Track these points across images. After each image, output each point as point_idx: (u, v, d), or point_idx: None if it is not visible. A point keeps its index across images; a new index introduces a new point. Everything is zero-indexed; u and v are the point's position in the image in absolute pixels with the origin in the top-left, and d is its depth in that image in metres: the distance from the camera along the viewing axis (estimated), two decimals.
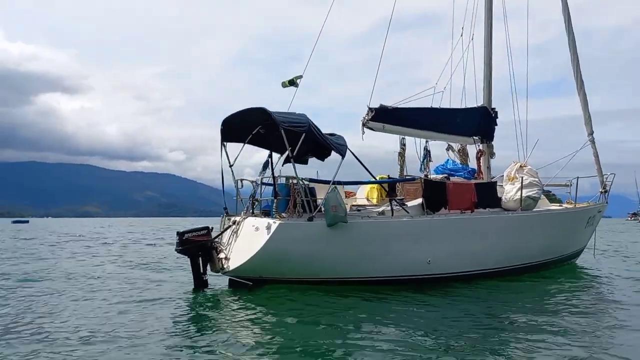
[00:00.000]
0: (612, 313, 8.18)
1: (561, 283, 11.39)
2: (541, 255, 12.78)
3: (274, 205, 10.20)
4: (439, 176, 13.49)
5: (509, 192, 12.36)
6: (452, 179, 13.08)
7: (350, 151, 10.86)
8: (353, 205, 12.01)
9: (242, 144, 11.53)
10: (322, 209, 9.82)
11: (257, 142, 11.65)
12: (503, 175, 13.23)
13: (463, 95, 15.57)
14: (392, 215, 10.70)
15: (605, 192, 15.00)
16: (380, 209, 11.14)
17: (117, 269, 14.27)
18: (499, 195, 12.31)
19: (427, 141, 14.63)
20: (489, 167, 14.57)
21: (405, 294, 9.47)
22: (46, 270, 13.94)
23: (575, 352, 5.91)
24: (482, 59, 14.81)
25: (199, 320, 7.81)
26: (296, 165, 10.14)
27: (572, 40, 14.72)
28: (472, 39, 15.63)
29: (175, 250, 10.35)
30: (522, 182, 12.21)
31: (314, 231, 9.80)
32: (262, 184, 11.34)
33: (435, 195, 11.16)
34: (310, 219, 9.80)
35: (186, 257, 10.39)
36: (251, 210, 10.99)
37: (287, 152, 9.93)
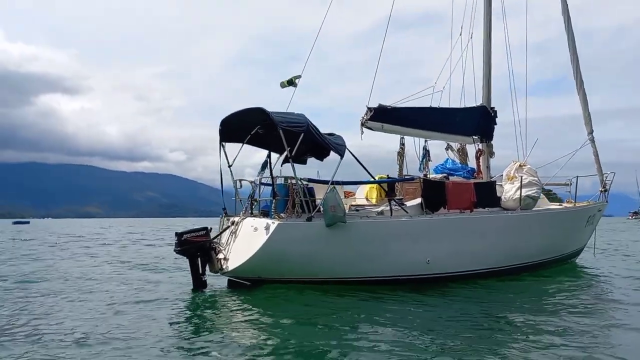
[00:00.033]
0: (612, 312, 8.15)
1: (561, 282, 11.34)
2: (541, 254, 12.74)
3: (273, 205, 10.17)
4: (438, 176, 13.46)
5: (509, 191, 12.33)
6: (452, 178, 13.04)
7: (349, 151, 10.83)
8: (352, 205, 11.98)
9: (240, 144, 11.50)
10: (321, 209, 9.78)
11: (256, 142, 11.63)
12: (502, 175, 13.19)
13: (462, 94, 15.52)
14: (391, 215, 10.67)
15: (605, 191, 14.97)
16: (379, 209, 11.11)
17: (115, 270, 14.24)
18: (498, 194, 12.27)
19: (426, 141, 14.56)
20: (488, 167, 14.51)
21: (402, 294, 9.43)
22: (44, 271, 13.91)
23: (574, 351, 5.87)
24: (482, 57, 14.76)
25: (197, 321, 7.77)
26: (295, 165, 10.10)
27: (572, 40, 14.69)
28: (472, 38, 15.58)
29: (174, 250, 10.34)
30: (521, 182, 12.18)
31: (313, 231, 9.76)
32: (261, 184, 11.31)
33: (435, 194, 11.13)
34: (309, 219, 9.76)
35: (185, 257, 10.37)
36: (250, 211, 10.96)
37: (285, 152, 9.89)
